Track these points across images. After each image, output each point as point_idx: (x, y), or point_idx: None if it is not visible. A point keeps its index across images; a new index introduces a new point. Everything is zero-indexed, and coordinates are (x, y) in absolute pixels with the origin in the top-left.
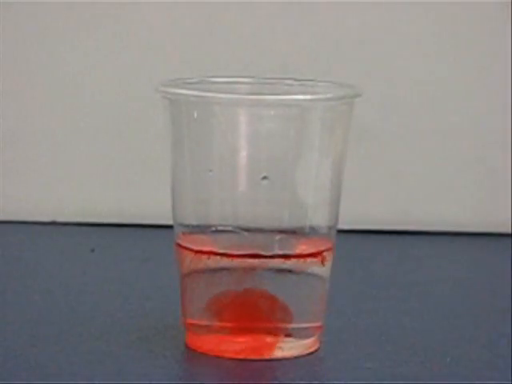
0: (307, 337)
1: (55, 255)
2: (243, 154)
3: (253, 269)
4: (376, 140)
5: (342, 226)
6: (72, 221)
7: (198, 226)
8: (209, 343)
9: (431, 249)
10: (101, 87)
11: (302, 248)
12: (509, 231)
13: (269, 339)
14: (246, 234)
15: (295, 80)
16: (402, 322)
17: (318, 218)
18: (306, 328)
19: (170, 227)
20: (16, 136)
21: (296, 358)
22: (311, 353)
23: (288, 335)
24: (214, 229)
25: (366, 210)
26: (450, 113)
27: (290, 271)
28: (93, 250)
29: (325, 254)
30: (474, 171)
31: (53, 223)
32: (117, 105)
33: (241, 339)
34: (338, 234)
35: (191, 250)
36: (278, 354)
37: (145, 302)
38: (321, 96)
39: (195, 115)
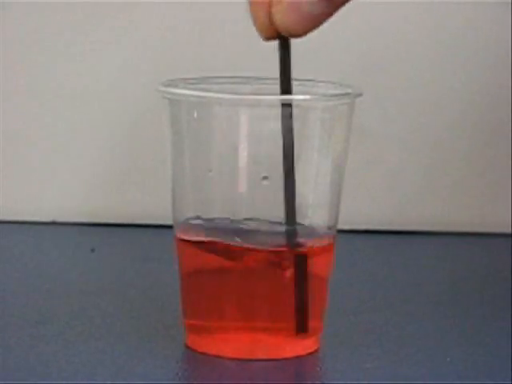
0: (307, 337)
1: (55, 255)
2: (243, 154)
3: (253, 268)
4: (376, 140)
5: (342, 226)
6: (72, 221)
7: (197, 226)
8: (209, 343)
9: (431, 249)
10: (100, 87)
11: (302, 248)
12: (509, 231)
13: (269, 339)
14: (245, 233)
15: (295, 80)
16: (402, 322)
17: (318, 217)
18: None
19: (169, 227)
20: (16, 136)
21: (296, 357)
22: (311, 353)
23: (288, 335)
24: (213, 229)
25: (366, 210)
26: (450, 112)
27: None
28: (93, 250)
29: (325, 253)
30: (474, 171)
31: (53, 223)
32: (117, 105)
33: (241, 339)
34: (338, 234)
35: (191, 249)
36: (277, 354)
37: (145, 301)
38: (321, 96)
39: (195, 115)
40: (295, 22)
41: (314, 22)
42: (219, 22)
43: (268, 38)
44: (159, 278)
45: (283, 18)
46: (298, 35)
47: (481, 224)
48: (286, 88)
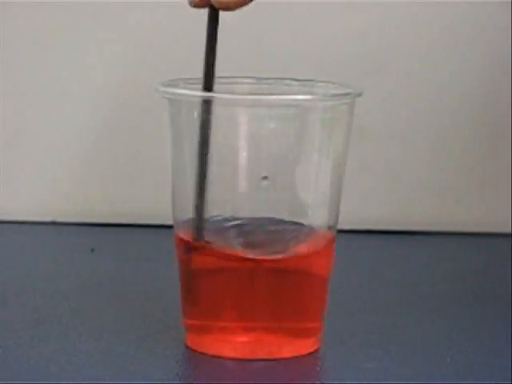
0: (307, 337)
1: (55, 255)
2: (243, 154)
3: (253, 268)
4: (376, 140)
5: (342, 226)
6: (72, 221)
7: (197, 226)
8: (209, 343)
9: (431, 249)
10: (101, 87)
11: (302, 248)
12: (509, 231)
13: (269, 339)
14: (245, 233)
15: (295, 80)
16: (402, 321)
17: (318, 217)
18: (306, 328)
19: (169, 227)
20: (16, 136)
21: (296, 357)
22: (311, 353)
23: (288, 335)
24: (213, 229)
25: (366, 210)
26: (450, 113)
27: (290, 271)
28: (93, 250)
29: (325, 253)
30: (474, 171)
31: (53, 223)
32: (117, 105)
33: (241, 339)
34: (338, 234)
35: (191, 249)
36: (278, 353)
37: (145, 301)
38: (321, 96)
39: (195, 115)
40: None
41: None
42: (219, 22)
43: (197, 7)
44: (159, 278)
45: None
46: (230, 9)
47: (481, 224)
48: (209, 62)
